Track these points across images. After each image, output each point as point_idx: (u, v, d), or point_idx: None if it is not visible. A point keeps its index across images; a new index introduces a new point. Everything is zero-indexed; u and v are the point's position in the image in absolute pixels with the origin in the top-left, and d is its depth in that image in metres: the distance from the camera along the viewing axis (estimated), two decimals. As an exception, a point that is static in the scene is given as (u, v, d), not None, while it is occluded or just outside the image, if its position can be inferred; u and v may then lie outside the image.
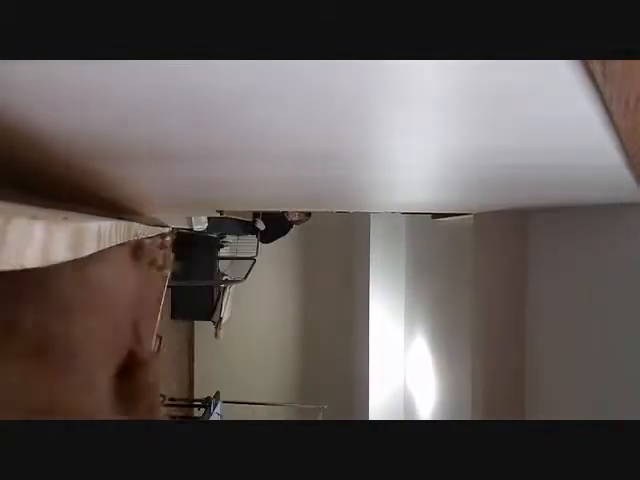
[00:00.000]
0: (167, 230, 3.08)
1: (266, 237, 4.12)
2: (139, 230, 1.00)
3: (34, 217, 0.31)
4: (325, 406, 3.82)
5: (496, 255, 2.55)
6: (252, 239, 4.20)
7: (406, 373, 4.02)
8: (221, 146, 0.75)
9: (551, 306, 2.15)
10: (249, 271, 4.01)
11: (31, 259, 0.31)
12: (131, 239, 0.83)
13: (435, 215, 3.11)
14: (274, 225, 4.05)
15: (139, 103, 0.47)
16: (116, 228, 0.62)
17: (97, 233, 0.50)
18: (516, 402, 2.28)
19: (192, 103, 0.48)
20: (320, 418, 3.72)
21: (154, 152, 0.73)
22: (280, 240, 4.27)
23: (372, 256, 4.03)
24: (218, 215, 2.87)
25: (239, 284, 4.14)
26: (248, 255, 4.16)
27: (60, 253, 0.37)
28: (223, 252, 4.44)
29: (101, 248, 0.55)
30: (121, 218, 0.78)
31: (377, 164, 0.97)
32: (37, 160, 0.64)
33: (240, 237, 4.41)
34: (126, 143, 0.64)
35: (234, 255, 4.47)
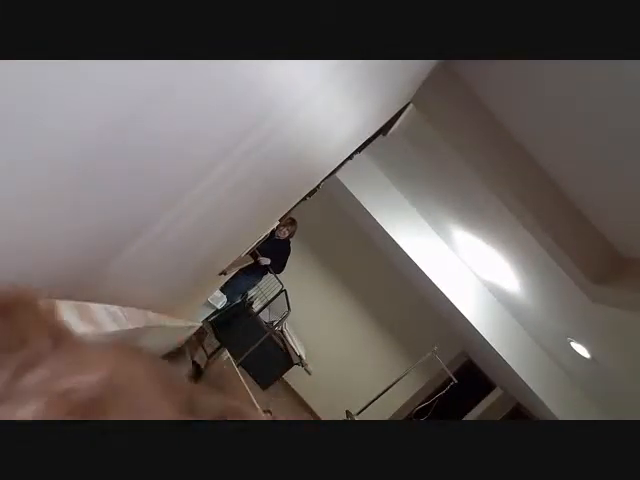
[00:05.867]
0: (197, 326, 3.06)
1: (276, 266, 4.13)
2: (160, 319, 1.00)
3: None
4: (435, 348, 3.82)
5: (455, 117, 2.54)
6: (269, 277, 4.21)
7: (472, 268, 4.01)
8: (165, 186, 0.75)
9: (523, 112, 2.14)
10: (287, 302, 4.01)
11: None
12: (154, 324, 0.83)
13: (384, 131, 3.10)
14: (275, 252, 4.06)
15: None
16: (128, 311, 0.63)
17: (106, 311, 0.50)
18: (562, 199, 2.27)
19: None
20: (439, 360, 3.71)
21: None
22: (291, 261, 4.27)
23: (369, 207, 4.02)
24: (223, 277, 2.87)
25: (289, 318, 4.14)
26: (277, 291, 4.16)
27: (78, 326, 0.37)
28: (256, 305, 4.45)
29: (123, 328, 0.55)
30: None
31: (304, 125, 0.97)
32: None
33: (259, 284, 4.41)
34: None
35: (266, 301, 4.49)
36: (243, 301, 4.31)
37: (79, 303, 0.42)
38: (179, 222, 1.01)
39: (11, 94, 0.31)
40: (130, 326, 0.59)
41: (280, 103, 0.89)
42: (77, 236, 0.58)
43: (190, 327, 2.36)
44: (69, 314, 0.36)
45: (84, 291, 0.83)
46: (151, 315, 0.85)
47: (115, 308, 0.56)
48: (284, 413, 4.13)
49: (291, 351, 4.35)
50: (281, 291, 4.03)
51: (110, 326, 0.48)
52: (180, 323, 1.72)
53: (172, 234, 1.05)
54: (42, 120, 0.38)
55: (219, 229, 1.46)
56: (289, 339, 4.34)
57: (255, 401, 2.09)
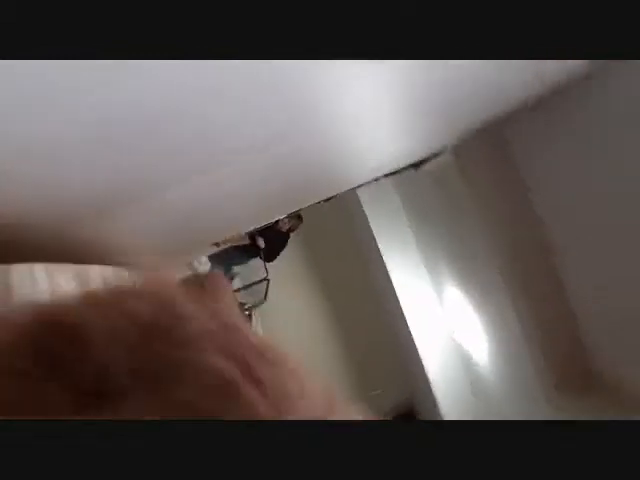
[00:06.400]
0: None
1: (269, 254, 4.12)
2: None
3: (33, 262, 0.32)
4: (381, 390, 3.81)
5: (486, 175, 2.55)
6: (258, 263, 4.20)
7: (449, 325, 4.01)
8: (188, 161, 0.75)
9: (554, 191, 2.15)
10: (266, 292, 4.00)
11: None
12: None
13: (416, 165, 3.11)
14: (272, 241, 4.05)
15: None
16: (119, 274, 0.62)
17: (102, 276, 0.50)
18: (558, 298, 2.28)
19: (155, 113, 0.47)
20: (384, 401, 3.72)
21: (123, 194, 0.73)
22: (284, 255, 4.26)
23: (375, 230, 4.02)
24: (216, 249, 2.87)
25: (263, 307, 4.14)
26: (260, 278, 4.15)
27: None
28: (235, 284, 4.45)
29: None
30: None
31: (334, 128, 0.97)
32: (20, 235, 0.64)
33: (246, 265, 4.40)
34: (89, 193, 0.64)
35: (246, 283, 4.48)
36: (224, 274, 4.30)
37: (81, 269, 0.42)
38: (193, 195, 1.01)
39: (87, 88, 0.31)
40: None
41: (325, 112, 0.88)
42: (105, 174, 0.58)
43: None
44: (66, 286, 0.36)
45: (90, 228, 0.84)
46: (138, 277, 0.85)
47: (110, 272, 0.56)
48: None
49: (251, 338, 4.34)
50: (265, 279, 4.02)
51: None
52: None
53: (184, 204, 1.05)
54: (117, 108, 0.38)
55: (229, 209, 1.46)
56: (253, 327, 4.34)
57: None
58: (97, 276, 0.49)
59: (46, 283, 0.33)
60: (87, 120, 0.38)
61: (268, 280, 4.04)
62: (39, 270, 0.32)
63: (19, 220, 0.54)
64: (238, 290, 4.34)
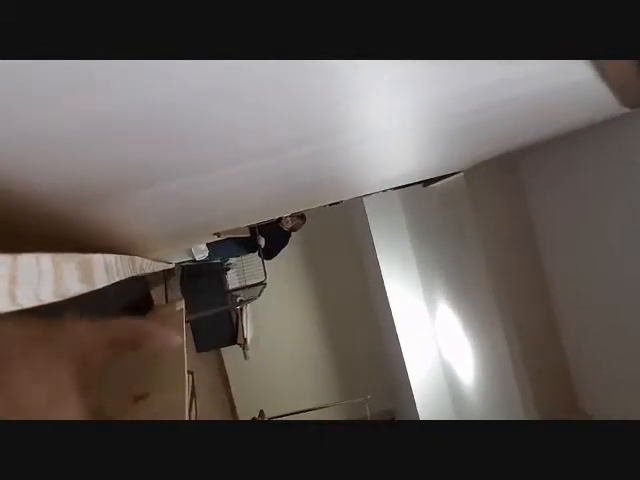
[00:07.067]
0: (170, 266, 3.05)
1: (268, 252, 4.11)
2: (144, 264, 1.00)
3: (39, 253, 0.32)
4: (369, 397, 3.82)
5: (495, 204, 2.55)
6: (256, 259, 4.19)
7: (438, 343, 4.01)
8: (194, 158, 0.75)
9: (560, 233, 2.15)
10: (261, 292, 4.01)
11: (46, 293, 0.31)
12: (138, 272, 0.83)
13: (426, 183, 3.10)
14: (273, 238, 4.04)
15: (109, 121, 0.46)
16: (121, 261, 0.62)
17: (104, 265, 0.50)
18: (549, 331, 2.28)
19: (159, 114, 0.47)
20: (367, 409, 3.72)
21: (128, 181, 0.73)
22: (283, 253, 4.26)
23: (376, 240, 4.03)
24: (216, 239, 2.86)
25: (255, 302, 4.14)
26: (257, 280, 4.15)
27: (74, 285, 0.37)
28: (230, 275, 4.45)
29: (111, 282, 0.55)
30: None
31: (351, 138, 0.96)
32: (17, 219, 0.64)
33: (243, 257, 4.39)
34: (97, 177, 0.64)
35: (242, 279, 4.49)
36: (220, 264, 4.29)
37: (84, 259, 0.42)
38: (199, 188, 1.01)
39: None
40: (117, 278, 0.59)
41: (352, 127, 0.88)
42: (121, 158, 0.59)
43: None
44: (70, 276, 0.36)
45: (94, 213, 0.83)
46: (137, 262, 0.85)
47: (111, 259, 0.56)
48: (204, 383, 4.12)
49: (240, 331, 4.34)
50: (262, 283, 4.02)
51: (100, 283, 0.48)
52: (160, 268, 1.72)
53: (189, 195, 1.05)
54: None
55: (233, 205, 1.46)
56: (244, 319, 4.34)
57: (185, 356, 2.09)
58: (100, 264, 0.49)
59: (52, 273, 0.33)
60: (91, 115, 0.38)
61: (265, 284, 4.04)
62: (45, 260, 0.32)
63: (23, 205, 0.55)
64: (235, 290, 4.33)
